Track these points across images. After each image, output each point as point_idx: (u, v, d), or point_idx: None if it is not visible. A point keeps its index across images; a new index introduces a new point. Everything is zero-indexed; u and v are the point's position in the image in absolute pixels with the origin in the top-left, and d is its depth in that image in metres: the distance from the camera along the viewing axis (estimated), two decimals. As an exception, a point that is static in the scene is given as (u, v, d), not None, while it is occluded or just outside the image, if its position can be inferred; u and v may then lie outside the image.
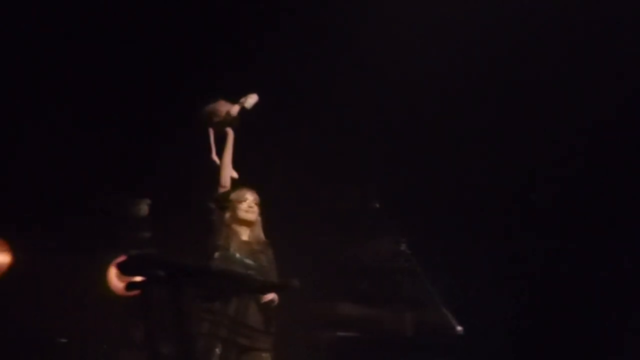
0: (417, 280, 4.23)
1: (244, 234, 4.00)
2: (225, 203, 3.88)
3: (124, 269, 2.86)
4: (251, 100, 3.97)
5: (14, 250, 6.05)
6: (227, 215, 3.93)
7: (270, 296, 3.76)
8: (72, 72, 5.63)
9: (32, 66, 5.58)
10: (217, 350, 3.59)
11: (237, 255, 3.84)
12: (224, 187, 3.91)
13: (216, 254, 3.80)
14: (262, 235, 4.05)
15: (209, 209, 3.85)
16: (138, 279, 2.98)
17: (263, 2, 5.49)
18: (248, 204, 4.01)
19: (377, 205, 4.36)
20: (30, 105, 5.72)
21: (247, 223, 4.01)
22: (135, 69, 5.62)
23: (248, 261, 3.87)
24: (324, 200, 5.90)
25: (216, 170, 3.88)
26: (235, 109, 3.94)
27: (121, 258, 2.87)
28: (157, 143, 6.01)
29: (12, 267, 6.01)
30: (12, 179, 5.92)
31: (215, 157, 3.89)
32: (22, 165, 5.90)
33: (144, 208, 2.83)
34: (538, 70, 5.43)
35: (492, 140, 5.66)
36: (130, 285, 2.96)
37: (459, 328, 3.95)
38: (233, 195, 3.97)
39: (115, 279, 6.22)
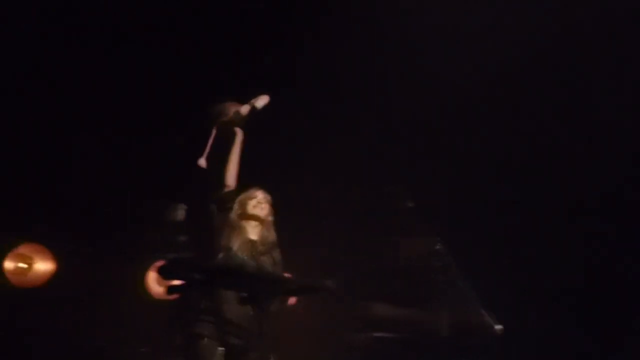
0: (453, 280, 4.22)
1: (252, 232, 3.91)
2: (229, 204, 3.81)
3: (163, 273, 2.93)
4: (261, 101, 3.91)
5: (57, 258, 6.20)
6: (233, 214, 3.85)
7: (294, 300, 3.71)
8: (111, 84, 5.75)
9: (78, 80, 5.70)
10: (219, 353, 3.55)
11: (240, 255, 3.75)
12: (229, 186, 3.86)
13: (220, 255, 3.72)
14: (272, 237, 3.96)
15: (210, 210, 3.80)
16: (177, 282, 3.05)
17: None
18: (257, 201, 3.94)
19: (411, 205, 4.36)
20: (74, 116, 5.86)
21: (256, 219, 3.91)
22: (169, 79, 5.71)
23: (250, 262, 3.76)
24: (358, 200, 5.92)
25: (217, 169, 3.82)
26: (245, 109, 3.89)
27: (160, 263, 2.95)
28: (193, 148, 6.11)
29: (55, 275, 6.17)
30: (54, 188, 6.07)
31: (203, 161, 3.80)
32: (64, 175, 6.05)
33: (180, 213, 2.89)
34: (575, 67, 5.37)
35: (526, 136, 5.62)
36: (171, 289, 3.03)
37: (498, 327, 3.93)
38: (242, 195, 3.91)
39: (154, 284, 6.32)
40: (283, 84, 5.24)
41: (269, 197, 4.02)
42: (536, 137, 5.60)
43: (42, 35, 5.40)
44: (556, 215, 5.66)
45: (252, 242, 3.87)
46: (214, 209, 3.84)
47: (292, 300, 3.74)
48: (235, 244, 3.77)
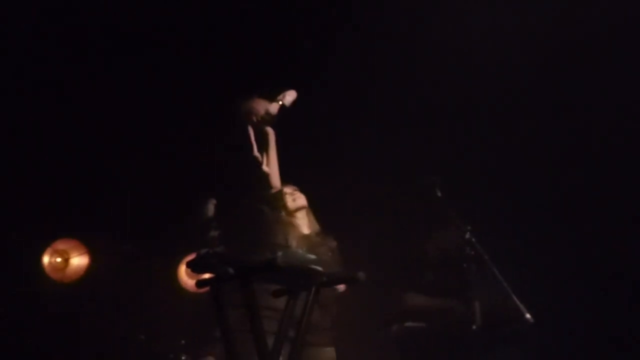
0: (484, 269, 4.18)
1: (304, 226, 3.98)
2: (278, 203, 3.83)
3: (193, 267, 2.96)
4: (289, 97, 3.80)
5: (91, 252, 6.31)
6: (282, 213, 3.88)
7: (343, 287, 3.71)
8: (149, 80, 5.83)
9: (119, 76, 5.80)
10: (284, 351, 3.59)
11: (300, 251, 3.80)
12: (275, 187, 3.87)
13: (279, 253, 3.78)
14: (317, 225, 4.01)
15: (260, 210, 3.79)
16: (207, 276, 3.08)
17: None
18: (291, 194, 3.98)
19: (440, 195, 4.33)
20: (112, 110, 5.95)
21: (301, 209, 3.96)
22: (203, 74, 5.77)
23: (310, 256, 3.85)
24: (387, 190, 5.91)
25: (260, 168, 3.77)
26: (274, 107, 3.78)
27: (191, 256, 2.97)
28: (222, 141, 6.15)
29: (90, 269, 6.27)
30: (90, 184, 6.17)
31: (257, 153, 3.74)
32: (100, 170, 6.14)
33: (210, 208, 2.91)
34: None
35: (553, 125, 5.55)
36: (200, 283, 3.05)
37: (528, 316, 3.89)
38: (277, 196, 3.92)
39: (185, 277, 6.40)
40: (312, 76, 5.25)
41: (295, 187, 4.04)
42: (576, 126, 5.50)
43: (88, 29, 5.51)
44: (593, 201, 5.58)
45: (306, 236, 3.92)
46: (267, 209, 3.82)
47: (340, 287, 3.72)
48: (293, 241, 3.80)
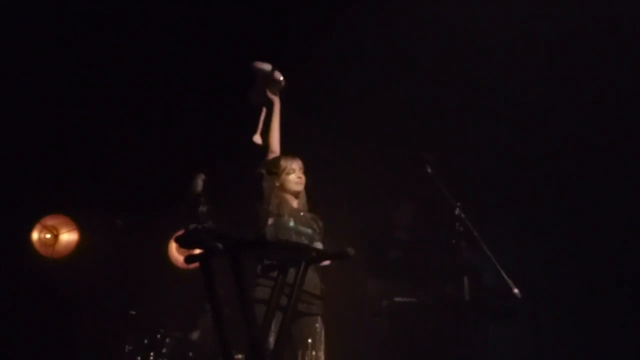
0: (474, 244, 4.19)
1: (294, 202, 4.04)
2: (275, 169, 3.91)
3: (182, 243, 2.95)
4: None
5: (80, 228, 6.29)
6: (277, 183, 3.96)
7: (327, 262, 3.78)
8: (138, 54, 5.77)
9: (109, 53, 5.74)
10: (276, 319, 3.65)
11: (291, 222, 3.88)
12: (274, 152, 3.98)
13: (270, 220, 3.85)
14: (306, 204, 4.08)
15: (259, 175, 3.90)
16: (197, 251, 3.07)
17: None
18: (297, 175, 4.04)
19: (430, 171, 4.32)
20: (102, 88, 5.91)
21: (297, 194, 4.05)
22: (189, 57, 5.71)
23: (302, 228, 3.91)
24: (376, 166, 5.90)
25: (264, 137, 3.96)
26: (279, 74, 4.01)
27: (180, 232, 2.96)
28: (210, 118, 6.13)
29: (79, 245, 6.26)
30: (79, 160, 6.13)
31: (258, 137, 3.98)
32: (89, 147, 6.10)
33: (199, 183, 2.89)
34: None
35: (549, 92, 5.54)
36: (189, 258, 3.05)
37: (516, 291, 3.91)
38: (282, 166, 3.99)
39: (175, 253, 6.40)
40: (316, 45, 5.23)
41: (302, 166, 4.11)
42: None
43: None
44: (580, 176, 5.60)
45: (297, 210, 3.99)
46: (264, 173, 3.94)
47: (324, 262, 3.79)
48: (285, 212, 3.90)
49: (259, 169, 3.95)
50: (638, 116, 5.30)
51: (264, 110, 4.05)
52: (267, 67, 4.01)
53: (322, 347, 3.83)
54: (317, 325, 3.85)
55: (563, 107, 5.50)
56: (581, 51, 5.26)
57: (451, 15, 5.22)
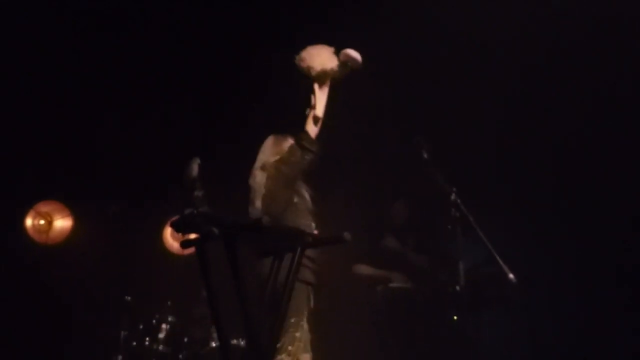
0: (469, 230, 4.20)
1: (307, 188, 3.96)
2: (312, 146, 3.79)
3: (177, 228, 2.93)
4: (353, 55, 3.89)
5: (74, 214, 6.27)
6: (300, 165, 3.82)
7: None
8: (135, 38, 5.73)
9: (105, 39, 5.71)
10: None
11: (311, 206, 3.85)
12: (309, 131, 3.85)
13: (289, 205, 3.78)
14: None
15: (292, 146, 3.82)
16: (192, 236, 3.06)
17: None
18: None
19: (426, 156, 4.31)
20: (96, 74, 5.88)
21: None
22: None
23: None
24: (373, 150, 5.90)
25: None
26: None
27: (175, 217, 2.94)
28: (210, 105, 6.11)
29: (74, 231, 6.24)
30: (72, 146, 6.11)
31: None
32: (83, 133, 6.07)
33: (194, 167, 2.87)
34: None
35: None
36: (185, 243, 3.04)
37: (512, 276, 3.92)
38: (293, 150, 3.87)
39: (170, 238, 6.39)
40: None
41: None
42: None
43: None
44: (577, 164, 5.60)
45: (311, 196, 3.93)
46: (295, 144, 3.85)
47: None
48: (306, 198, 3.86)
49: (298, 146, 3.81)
50: (638, 116, 5.30)
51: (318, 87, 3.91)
52: (359, 58, 3.88)
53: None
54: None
55: (563, 107, 5.49)
56: (581, 51, 5.24)
57: (451, 15, 5.21)
